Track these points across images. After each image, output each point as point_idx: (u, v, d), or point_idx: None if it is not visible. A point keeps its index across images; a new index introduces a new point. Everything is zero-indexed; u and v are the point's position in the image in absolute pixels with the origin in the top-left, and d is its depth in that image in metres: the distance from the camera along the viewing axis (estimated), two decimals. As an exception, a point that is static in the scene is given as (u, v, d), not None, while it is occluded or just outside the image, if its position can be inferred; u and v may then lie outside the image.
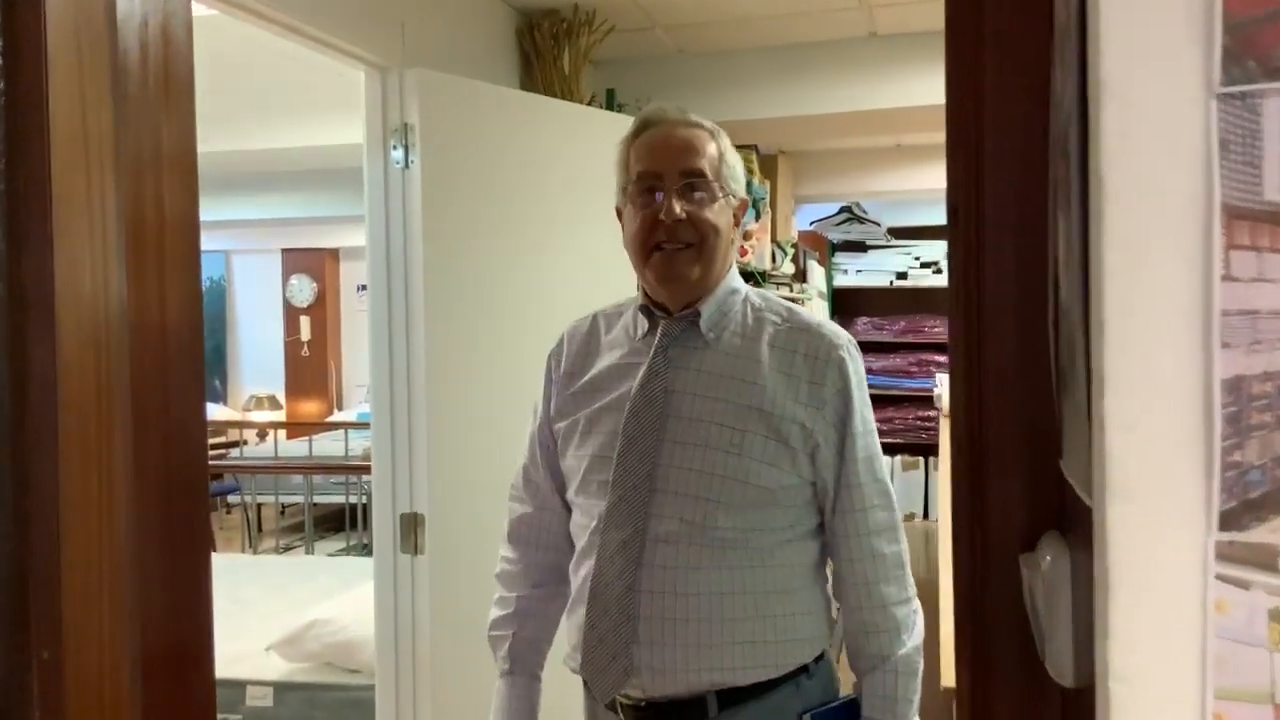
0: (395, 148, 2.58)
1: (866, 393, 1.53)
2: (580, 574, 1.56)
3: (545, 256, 2.99)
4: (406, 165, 2.58)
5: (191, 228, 1.21)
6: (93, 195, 1.01)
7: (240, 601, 3.80)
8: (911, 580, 1.56)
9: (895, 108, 4.01)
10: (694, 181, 1.53)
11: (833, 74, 3.96)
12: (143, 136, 1.13)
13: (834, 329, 1.57)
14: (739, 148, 4.86)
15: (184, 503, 1.18)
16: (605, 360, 1.63)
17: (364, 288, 10.11)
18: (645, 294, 1.61)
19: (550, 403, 1.68)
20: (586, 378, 1.63)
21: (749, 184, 4.95)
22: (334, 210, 7.41)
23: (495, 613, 1.75)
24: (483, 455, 2.76)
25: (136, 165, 1.10)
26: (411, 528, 2.74)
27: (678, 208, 1.51)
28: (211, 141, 4.81)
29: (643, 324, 1.60)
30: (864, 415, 1.53)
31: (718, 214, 1.54)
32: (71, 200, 0.97)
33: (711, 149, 1.57)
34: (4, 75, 0.90)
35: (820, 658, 1.54)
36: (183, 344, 1.20)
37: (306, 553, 6.21)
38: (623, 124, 3.31)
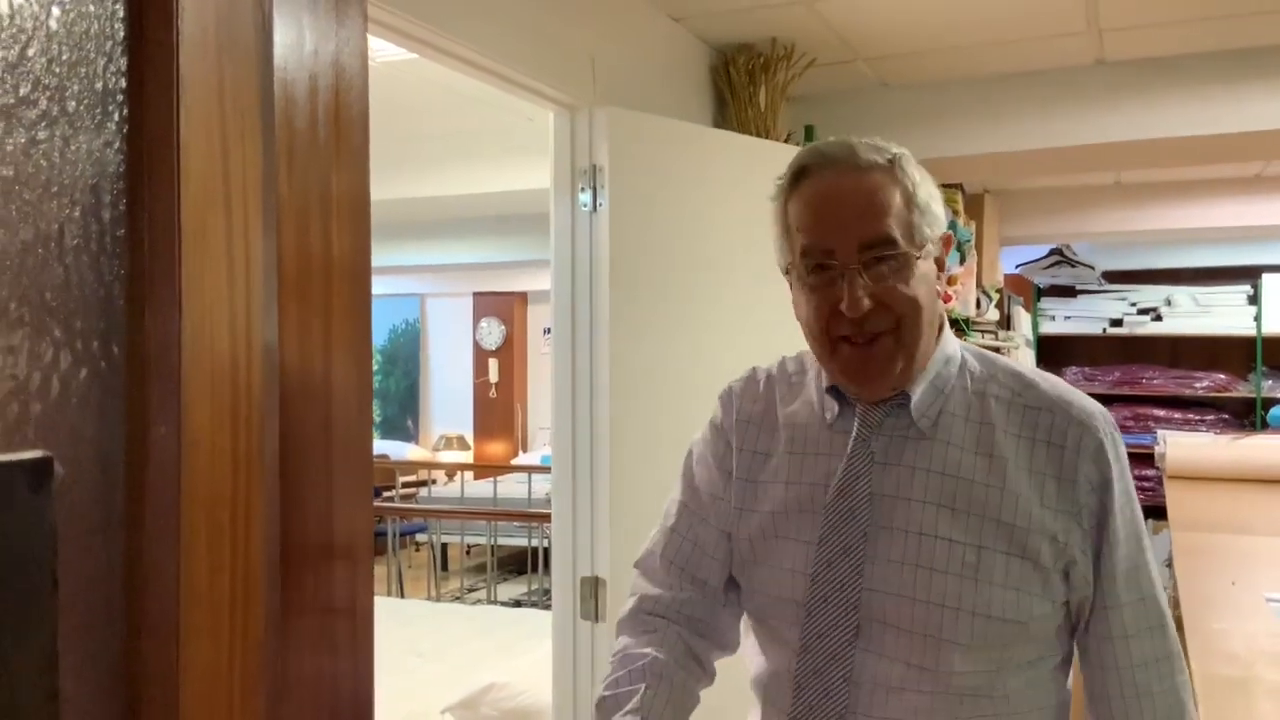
0: (583, 190, 2.46)
1: (1132, 485, 1.18)
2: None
3: (742, 304, 2.79)
4: (595, 208, 2.45)
5: (363, 281, 1.06)
6: (234, 243, 0.87)
7: (420, 654, 3.74)
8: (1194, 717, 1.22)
9: (1122, 141, 3.65)
10: (881, 254, 1.17)
11: (1052, 105, 3.63)
12: (310, 183, 0.98)
13: (1085, 403, 1.21)
14: (944, 187, 4.57)
15: (344, 596, 1.03)
16: (785, 443, 1.29)
17: (549, 330, 10.16)
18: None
19: (729, 482, 1.32)
20: (770, 465, 1.29)
21: (953, 224, 4.64)
22: (524, 254, 7.46)
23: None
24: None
25: (302, 214, 0.96)
26: (592, 592, 2.57)
27: (862, 296, 1.15)
28: (403, 187, 4.88)
29: (833, 407, 1.26)
30: (1126, 516, 1.19)
31: (917, 283, 1.18)
32: (206, 248, 0.82)
33: (896, 197, 1.18)
34: (128, 101, 0.77)
35: None
36: (350, 407, 1.05)
37: (489, 599, 6.18)
38: (822, 162, 3.12)
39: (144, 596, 0.79)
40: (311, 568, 0.99)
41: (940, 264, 1.24)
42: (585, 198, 2.45)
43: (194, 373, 0.79)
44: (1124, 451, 1.21)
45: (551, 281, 2.48)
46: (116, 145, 0.78)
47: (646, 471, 2.56)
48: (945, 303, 4.14)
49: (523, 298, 10.20)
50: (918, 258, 1.18)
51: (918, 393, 1.22)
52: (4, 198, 0.68)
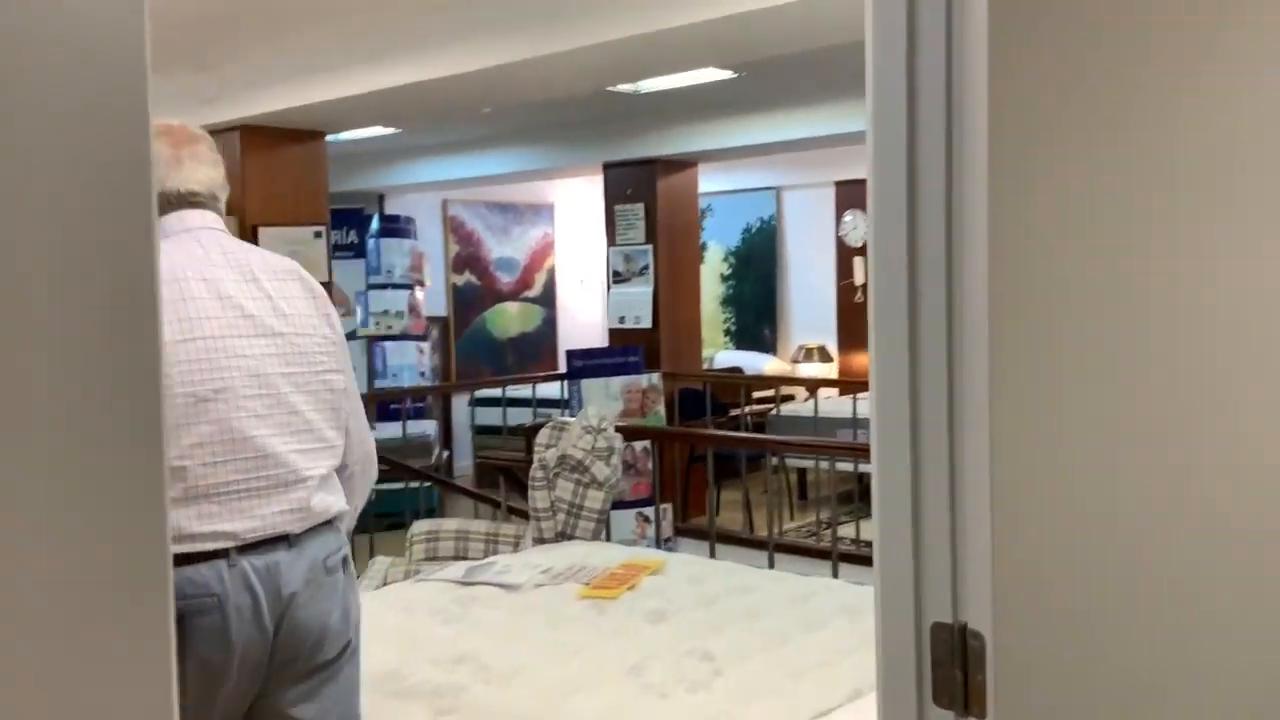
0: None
1: None
2: None
3: (1230, 156, 1.48)
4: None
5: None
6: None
7: (691, 683, 2.65)
8: None
9: None
10: None
11: None
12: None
13: None
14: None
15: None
16: None
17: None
18: None
19: None
20: None
21: None
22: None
23: None
24: (1105, 515, 1.37)
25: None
26: (955, 654, 1.40)
27: None
28: (681, 12, 3.63)
29: None
30: None
31: None
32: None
33: None
34: None
35: None
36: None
37: (832, 539, 5.12)
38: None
39: None
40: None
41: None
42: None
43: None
44: None
45: (869, 98, 1.32)
46: None
47: (1050, 445, 1.37)
48: None
49: (893, 186, 8.86)
50: None
51: None
52: None
